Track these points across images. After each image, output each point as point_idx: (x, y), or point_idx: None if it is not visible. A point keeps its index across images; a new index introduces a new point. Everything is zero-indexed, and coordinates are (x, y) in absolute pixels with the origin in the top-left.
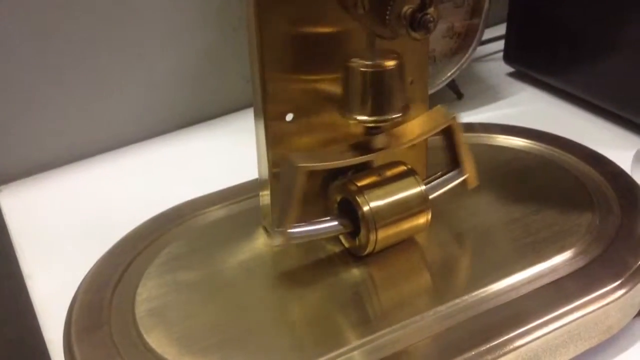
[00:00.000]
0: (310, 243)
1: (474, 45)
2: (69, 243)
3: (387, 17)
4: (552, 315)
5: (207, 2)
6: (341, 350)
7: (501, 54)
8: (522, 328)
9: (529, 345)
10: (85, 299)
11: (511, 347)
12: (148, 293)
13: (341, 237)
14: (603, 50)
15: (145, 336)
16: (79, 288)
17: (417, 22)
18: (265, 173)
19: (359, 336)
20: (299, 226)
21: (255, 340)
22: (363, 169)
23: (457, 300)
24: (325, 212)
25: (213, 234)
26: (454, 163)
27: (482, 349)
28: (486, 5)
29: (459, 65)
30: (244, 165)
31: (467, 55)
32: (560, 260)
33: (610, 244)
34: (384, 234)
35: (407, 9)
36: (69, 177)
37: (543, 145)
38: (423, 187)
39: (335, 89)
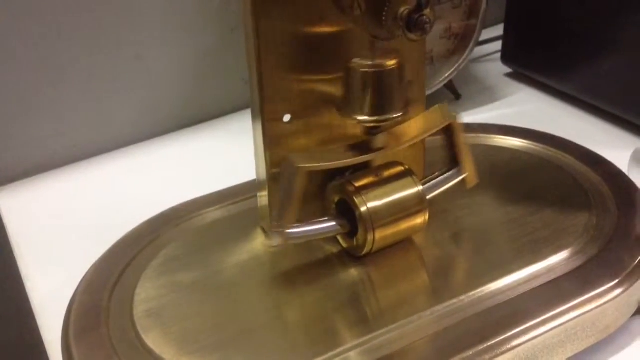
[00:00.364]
0: (308, 243)
1: (471, 46)
2: (67, 244)
3: (383, 18)
4: (550, 314)
5: (206, 3)
6: (339, 350)
7: (499, 54)
8: (520, 327)
9: (526, 345)
10: (84, 299)
11: (509, 346)
12: (146, 294)
13: (339, 238)
14: (600, 51)
15: (143, 337)
16: (77, 289)
17: (414, 24)
18: (263, 174)
19: (356, 336)
20: (297, 227)
21: (254, 341)
22: (361, 169)
23: (455, 300)
24: (323, 213)
25: (211, 235)
26: (453, 162)
27: (479, 348)
28: (483, 6)
29: (456, 66)
30: (242, 166)
31: (464, 56)
32: (557, 259)
33: (607, 243)
34: (382, 234)
35: (403, 10)
36: (68, 178)
37: (540, 145)
38: (420, 188)
39: (333, 89)
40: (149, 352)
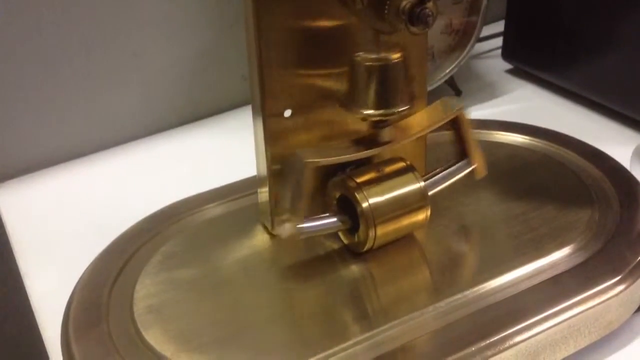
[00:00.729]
0: (309, 239)
1: (472, 42)
2: (66, 241)
3: (385, 11)
4: (552, 311)
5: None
6: (340, 347)
7: (499, 51)
8: (522, 324)
9: (529, 341)
10: (83, 296)
11: (511, 342)
12: (146, 290)
13: (340, 234)
14: (601, 47)
15: (143, 333)
16: (76, 286)
17: (416, 17)
18: (264, 170)
19: (358, 332)
20: (305, 221)
21: (254, 337)
22: (363, 165)
23: (457, 296)
24: (324, 209)
25: (211, 232)
26: (461, 154)
27: (482, 344)
28: (484, 2)
29: (457, 62)
30: (241, 163)
31: (465, 52)
32: (559, 256)
33: (609, 239)
34: (383, 231)
35: (405, 3)
36: (66, 175)
37: (542, 141)
38: (422, 184)
39: (334, 84)
40: (149, 348)
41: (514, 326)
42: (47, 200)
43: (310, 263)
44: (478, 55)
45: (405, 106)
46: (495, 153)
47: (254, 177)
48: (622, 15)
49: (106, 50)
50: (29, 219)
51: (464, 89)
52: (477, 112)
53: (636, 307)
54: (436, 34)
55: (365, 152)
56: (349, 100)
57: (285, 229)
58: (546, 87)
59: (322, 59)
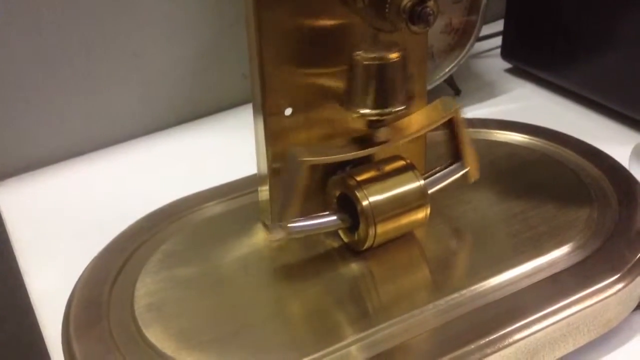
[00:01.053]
0: (309, 238)
1: (471, 41)
2: (66, 239)
3: (386, 10)
4: (551, 309)
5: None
6: (340, 345)
7: (499, 50)
8: (521, 322)
9: (527, 339)
10: (84, 294)
11: (510, 340)
12: (146, 288)
13: (340, 232)
14: (601, 46)
15: (144, 331)
16: (77, 284)
17: (417, 16)
18: (264, 168)
19: (358, 330)
20: (298, 221)
21: (254, 335)
22: (362, 163)
23: (456, 295)
24: (324, 207)
25: (211, 230)
26: (455, 156)
27: (481, 342)
28: (484, 2)
29: (456, 61)
30: (241, 161)
31: (464, 52)
32: (558, 254)
33: (608, 238)
34: (383, 229)
35: (406, 2)
36: (66, 173)
37: (541, 140)
38: (422, 182)
39: (335, 83)
40: (150, 346)
41: (513, 324)
42: (48, 198)
43: (310, 261)
44: (477, 55)
45: (402, 106)
46: (495, 152)
47: (254, 175)
48: (621, 14)
49: (106, 49)
50: (29, 217)
51: (463, 88)
52: (476, 111)
53: (635, 305)
54: (436, 33)
55: (361, 151)
56: (347, 99)
57: (276, 229)
58: (545, 86)
59: (322, 58)
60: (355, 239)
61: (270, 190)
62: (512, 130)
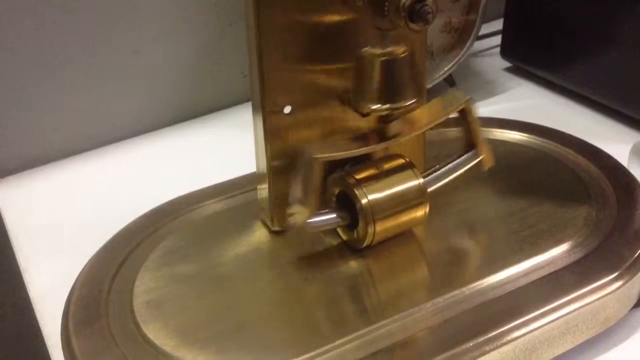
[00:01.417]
0: (308, 235)
1: (471, 40)
2: (65, 237)
3: (385, 8)
4: (549, 307)
5: None
6: (339, 342)
7: (498, 49)
8: (520, 320)
9: (526, 337)
10: (83, 291)
11: (508, 338)
12: (145, 286)
13: (339, 230)
14: (600, 45)
15: (143, 328)
16: (76, 281)
17: (416, 13)
18: (264, 166)
19: (357, 328)
20: (313, 216)
21: (253, 332)
22: (362, 161)
23: (455, 292)
24: (323, 205)
25: (210, 228)
26: (469, 145)
27: (479, 340)
28: (483, 1)
29: (456, 60)
30: (241, 159)
31: (464, 50)
32: (557, 252)
33: (607, 236)
34: (382, 227)
35: (405, 0)
36: (66, 171)
37: (540, 139)
38: (421, 180)
39: (334, 80)
40: (149, 343)
41: (512, 322)
42: (47, 196)
43: (309, 259)
44: (477, 53)
45: (412, 100)
46: (494, 151)
47: (254, 173)
48: (620, 13)
49: (106, 47)
50: (29, 215)
51: (462, 86)
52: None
53: (633, 303)
54: (435, 32)
55: (373, 146)
56: (355, 96)
57: (296, 223)
58: (544, 85)
59: (322, 56)
60: (354, 237)
61: (270, 188)
62: (511, 129)
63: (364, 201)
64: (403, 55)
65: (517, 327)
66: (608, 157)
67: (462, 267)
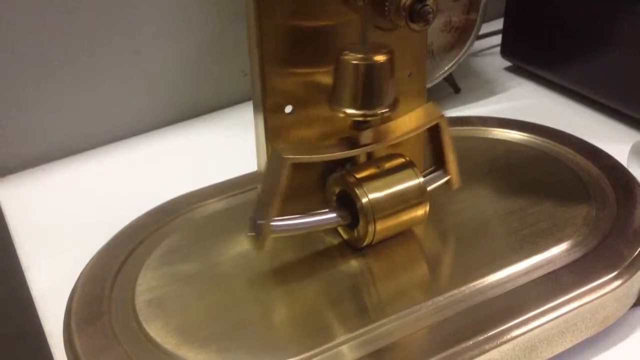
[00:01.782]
0: (309, 235)
1: (471, 39)
2: (68, 235)
3: (386, 8)
4: (549, 306)
5: None
6: (340, 340)
7: (498, 48)
8: (519, 318)
9: (526, 336)
10: (85, 290)
11: (508, 337)
12: (147, 284)
13: (340, 229)
14: (600, 45)
15: (145, 326)
16: (78, 280)
17: (416, 14)
18: (264, 165)
19: (357, 327)
20: (297, 217)
21: (254, 331)
22: (358, 161)
23: (455, 291)
24: (324, 204)
25: (211, 227)
26: (438, 162)
27: (479, 338)
28: (483, 0)
29: (456, 59)
30: (241, 159)
31: (464, 50)
32: (557, 251)
33: (606, 235)
34: (383, 226)
35: (406, 0)
36: (67, 170)
37: (540, 138)
38: (421, 180)
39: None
40: (151, 341)
41: (512, 321)
42: (49, 195)
43: (310, 258)
44: (477, 53)
45: (387, 109)
46: (494, 150)
47: (255, 172)
48: (620, 13)
49: (106, 47)
50: (31, 213)
51: (463, 86)
52: (476, 109)
53: (632, 302)
54: (435, 31)
55: (345, 152)
56: (333, 98)
57: (257, 226)
58: (545, 84)
59: (322, 56)
60: (355, 236)
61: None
62: (511, 128)
63: (364, 200)
64: (380, 62)
65: (517, 326)
66: (608, 157)
67: (462, 266)
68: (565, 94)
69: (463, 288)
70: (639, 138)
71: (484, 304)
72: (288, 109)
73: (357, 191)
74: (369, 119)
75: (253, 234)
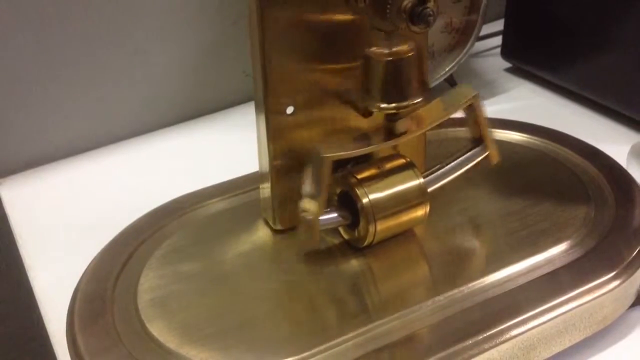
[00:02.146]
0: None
1: (471, 40)
2: (70, 235)
3: (387, 10)
4: (548, 305)
5: None
6: (341, 339)
7: (499, 49)
8: (519, 318)
9: (524, 335)
10: (88, 289)
11: (507, 336)
12: (149, 283)
13: (340, 229)
14: (600, 46)
15: (147, 325)
16: (81, 279)
17: (417, 16)
18: (266, 166)
19: (358, 326)
20: (324, 214)
21: (255, 330)
22: (363, 161)
23: (455, 291)
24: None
25: (213, 226)
26: (476, 140)
27: (479, 337)
28: (484, 1)
29: (457, 60)
30: (243, 159)
31: (465, 51)
32: (556, 252)
33: (605, 236)
34: (383, 226)
35: (407, 2)
36: (70, 170)
37: (540, 139)
38: (422, 180)
39: (336, 81)
40: (153, 340)
41: (511, 320)
42: (52, 195)
43: (311, 257)
44: (477, 54)
45: (419, 99)
46: None
47: (257, 173)
48: (619, 14)
49: (108, 47)
50: (33, 213)
51: None
52: None
53: (630, 302)
54: (436, 32)
55: (381, 144)
56: (363, 95)
57: (308, 217)
58: (545, 85)
59: (324, 56)
60: (355, 236)
61: (272, 187)
62: (511, 129)
63: (365, 201)
64: (409, 55)
65: (516, 326)
66: (607, 158)
67: (462, 265)
68: (565, 95)
69: (462, 288)
70: (638, 139)
71: (484, 304)
72: (290, 110)
73: (358, 191)
74: (402, 110)
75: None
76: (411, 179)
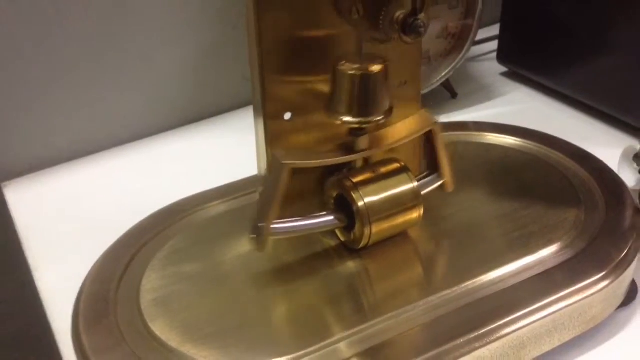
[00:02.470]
0: (307, 237)
1: (467, 45)
2: (74, 237)
3: (380, 22)
4: (538, 305)
5: (208, 1)
6: (337, 338)
7: (495, 54)
8: (509, 317)
9: (515, 334)
10: (93, 290)
11: (498, 335)
12: (152, 284)
13: (337, 231)
14: (594, 51)
15: (150, 325)
16: (85, 280)
17: (409, 27)
18: (265, 170)
19: (353, 325)
20: (296, 220)
21: (255, 329)
22: (355, 166)
23: (448, 291)
24: (322, 207)
25: (214, 228)
26: (432, 167)
27: (470, 336)
28: (480, 6)
29: (453, 65)
30: (243, 162)
31: (461, 55)
32: (547, 253)
33: (595, 238)
34: (378, 228)
35: (399, 14)
36: (74, 172)
37: (533, 143)
38: (415, 184)
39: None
40: (156, 339)
41: (501, 320)
42: (56, 197)
43: (308, 259)
44: (474, 58)
45: (381, 117)
46: (488, 154)
47: (256, 176)
48: (614, 20)
49: (110, 52)
50: (38, 215)
51: (459, 91)
52: (472, 114)
53: (619, 303)
54: (432, 37)
55: (341, 158)
56: (330, 106)
57: (257, 230)
58: (540, 90)
59: (320, 65)
60: (351, 238)
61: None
62: (505, 133)
63: (360, 204)
64: (376, 72)
65: (506, 325)
66: (597, 161)
67: (455, 267)
68: (560, 99)
69: (455, 288)
70: (630, 143)
71: (476, 304)
72: (287, 115)
73: (353, 195)
74: (364, 126)
75: (254, 235)
76: (405, 182)
